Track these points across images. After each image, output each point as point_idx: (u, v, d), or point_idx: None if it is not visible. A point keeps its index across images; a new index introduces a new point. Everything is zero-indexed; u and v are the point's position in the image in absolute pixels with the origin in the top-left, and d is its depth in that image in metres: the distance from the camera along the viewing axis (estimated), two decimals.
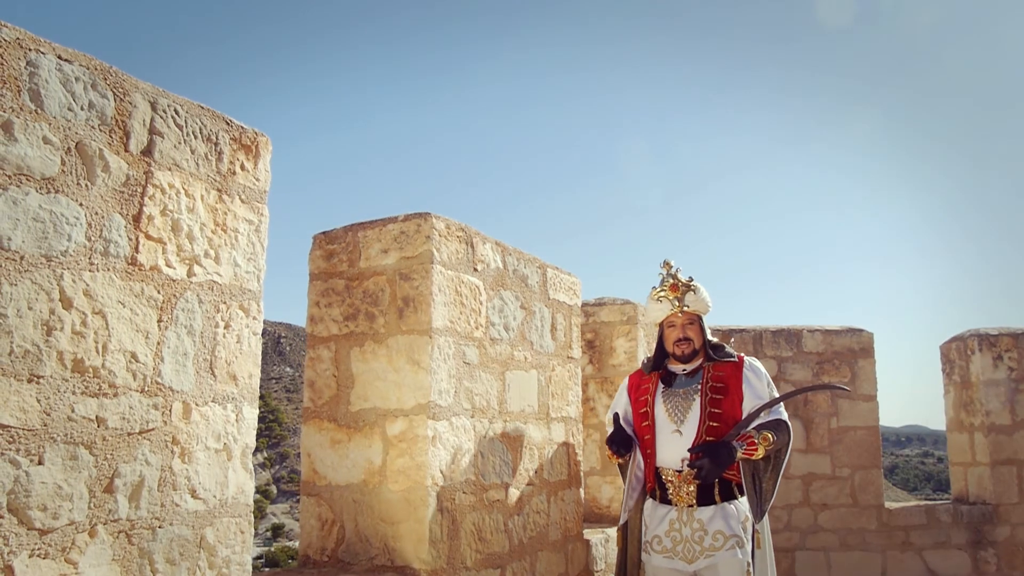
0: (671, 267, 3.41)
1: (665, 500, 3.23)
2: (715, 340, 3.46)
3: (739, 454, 3.07)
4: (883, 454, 6.59)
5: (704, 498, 3.16)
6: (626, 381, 3.60)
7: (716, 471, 3.03)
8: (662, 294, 3.39)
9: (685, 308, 3.34)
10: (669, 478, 3.22)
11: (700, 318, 3.40)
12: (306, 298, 3.35)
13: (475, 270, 3.44)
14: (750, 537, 3.14)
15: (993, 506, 6.31)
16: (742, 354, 3.44)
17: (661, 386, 3.38)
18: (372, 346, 3.18)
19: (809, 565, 6.27)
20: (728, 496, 3.17)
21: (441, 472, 3.10)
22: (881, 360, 6.64)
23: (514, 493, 3.60)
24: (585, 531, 4.45)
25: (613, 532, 4.61)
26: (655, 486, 3.27)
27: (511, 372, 3.66)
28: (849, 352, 6.57)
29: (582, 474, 4.36)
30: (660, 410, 3.30)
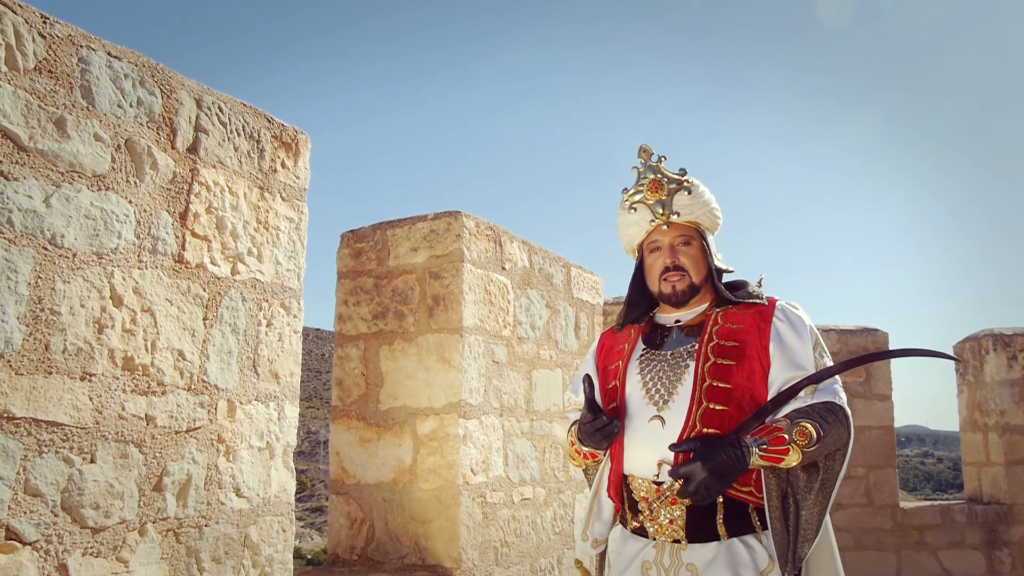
0: (650, 154, 1.99)
1: (640, 530, 1.90)
2: (730, 271, 2.07)
3: (755, 458, 1.75)
4: None
5: (699, 529, 1.82)
6: (595, 344, 2.25)
7: (716, 485, 1.73)
8: (637, 197, 1.99)
9: (674, 217, 1.95)
10: (643, 494, 1.89)
11: (702, 235, 1.99)
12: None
13: (503, 269, 3.43)
14: None
15: (1007, 506, 6.30)
16: (775, 296, 2.00)
17: (641, 347, 2.03)
18: (402, 345, 3.18)
19: None
20: (741, 528, 1.83)
21: (472, 471, 3.09)
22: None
23: (540, 492, 3.59)
24: None
25: None
26: (623, 506, 1.97)
27: (537, 371, 3.65)
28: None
29: None
30: (634, 384, 1.96)
